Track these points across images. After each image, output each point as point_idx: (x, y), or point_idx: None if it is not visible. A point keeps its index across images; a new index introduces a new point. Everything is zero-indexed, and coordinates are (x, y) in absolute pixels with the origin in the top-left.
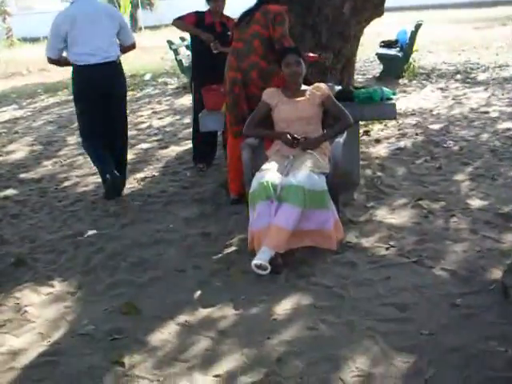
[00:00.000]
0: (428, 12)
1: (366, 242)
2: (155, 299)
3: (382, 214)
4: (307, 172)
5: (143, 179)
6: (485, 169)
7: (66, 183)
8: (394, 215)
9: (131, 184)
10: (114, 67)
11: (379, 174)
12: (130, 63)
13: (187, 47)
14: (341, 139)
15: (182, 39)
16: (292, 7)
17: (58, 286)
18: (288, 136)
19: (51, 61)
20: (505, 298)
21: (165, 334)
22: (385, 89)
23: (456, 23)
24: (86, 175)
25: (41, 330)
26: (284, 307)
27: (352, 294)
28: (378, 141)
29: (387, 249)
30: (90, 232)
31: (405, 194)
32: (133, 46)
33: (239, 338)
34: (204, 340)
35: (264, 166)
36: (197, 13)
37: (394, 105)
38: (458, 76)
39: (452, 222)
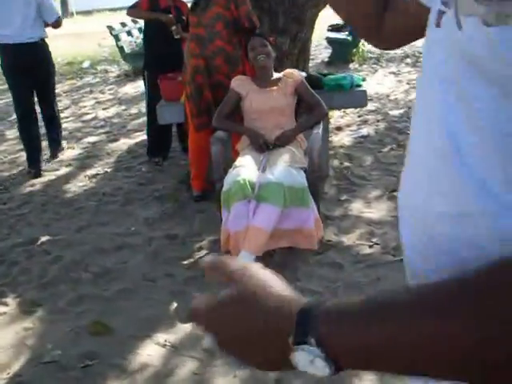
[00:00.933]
0: None
1: (347, 240)
2: (127, 315)
3: (358, 208)
4: (286, 167)
5: (94, 176)
6: None
7: (9, 183)
8: (371, 209)
9: (82, 182)
10: (35, 48)
11: (347, 164)
12: (65, 50)
13: (128, 33)
14: (319, 130)
15: (123, 24)
16: None
17: (12, 304)
18: (261, 141)
19: None
20: None
21: (144, 357)
22: (354, 75)
23: None
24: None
25: None
26: None
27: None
28: (339, 128)
29: (371, 246)
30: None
31: (377, 185)
32: (57, 23)
33: (228, 357)
34: (190, 362)
35: (237, 162)
36: None
37: (364, 92)
38: (408, 60)
39: None
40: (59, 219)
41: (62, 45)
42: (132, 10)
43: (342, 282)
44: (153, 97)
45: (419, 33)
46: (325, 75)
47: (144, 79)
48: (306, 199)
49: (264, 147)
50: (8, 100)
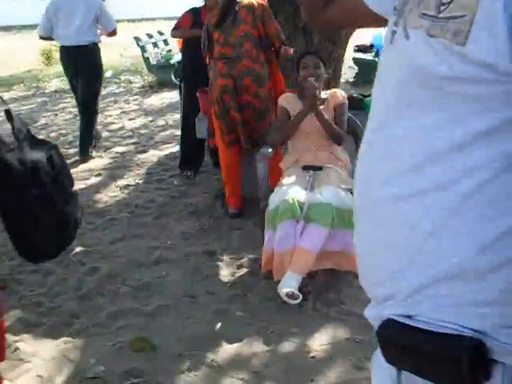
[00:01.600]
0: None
1: None
2: (169, 332)
3: None
4: (334, 188)
5: (126, 187)
6: None
7: None
8: None
9: (114, 192)
10: (85, 51)
11: None
12: None
13: (154, 44)
14: None
15: (149, 36)
16: (283, 7)
17: (50, 315)
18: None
19: (43, 38)
20: None
21: (191, 377)
22: None
23: None
24: None
25: (39, 371)
26: (320, 342)
27: None
28: None
29: None
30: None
31: None
32: (114, 32)
33: (277, 380)
34: (237, 383)
35: (284, 181)
36: (192, 10)
37: None
38: None
39: None
40: (92, 230)
41: None
42: (176, 32)
43: None
44: (189, 110)
45: (361, 21)
46: (366, 96)
47: (180, 91)
48: (351, 221)
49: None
50: (33, 106)
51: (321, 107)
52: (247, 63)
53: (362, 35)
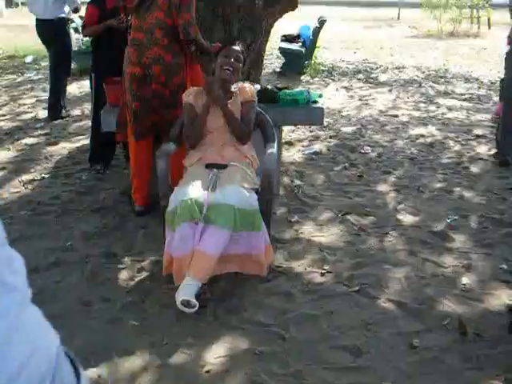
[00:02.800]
0: (319, 8)
1: (297, 266)
2: None
3: (309, 231)
4: (237, 188)
5: (30, 182)
6: (408, 179)
7: None
8: (323, 232)
9: (16, 188)
10: (51, 25)
11: (298, 182)
12: (7, 42)
13: (75, 30)
14: (274, 150)
15: (70, 21)
16: None
17: None
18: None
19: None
20: (464, 335)
21: None
22: (311, 91)
23: (347, 21)
24: None
25: None
26: (217, 353)
27: (294, 334)
28: (290, 143)
29: (322, 274)
30: None
31: (329, 206)
32: (76, 9)
33: None
34: None
35: (185, 180)
36: (93, 2)
37: (321, 109)
38: (360, 75)
39: (387, 242)
40: None
41: (3, 36)
42: (88, 30)
43: (292, 314)
44: (99, 101)
45: None
46: (280, 89)
47: (90, 82)
48: (257, 223)
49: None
50: None
51: (229, 101)
52: (157, 51)
53: (289, 26)
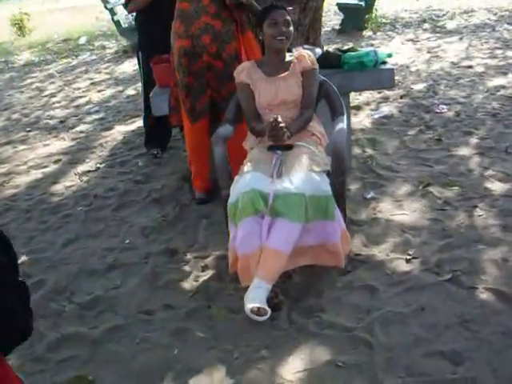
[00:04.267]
0: None
1: (378, 253)
2: (116, 364)
3: (388, 209)
4: (306, 172)
5: (86, 173)
6: (493, 139)
7: None
8: (403, 209)
9: (72, 181)
10: None
11: (370, 152)
12: (61, 26)
13: (124, 5)
14: (344, 124)
15: None
16: None
17: None
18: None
19: None
20: None
21: None
22: (378, 50)
23: None
24: (16, 172)
25: None
26: (294, 367)
27: (381, 339)
28: (358, 108)
29: (408, 261)
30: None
31: (408, 178)
32: None
33: None
34: None
35: (245, 167)
36: None
37: (391, 71)
38: (426, 25)
39: (477, 217)
40: (44, 230)
41: (57, 20)
42: (132, 5)
43: (377, 313)
44: (148, 81)
45: None
46: (344, 51)
47: (138, 61)
48: (330, 210)
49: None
50: (0, 83)
51: (285, 73)
52: (205, 19)
53: None
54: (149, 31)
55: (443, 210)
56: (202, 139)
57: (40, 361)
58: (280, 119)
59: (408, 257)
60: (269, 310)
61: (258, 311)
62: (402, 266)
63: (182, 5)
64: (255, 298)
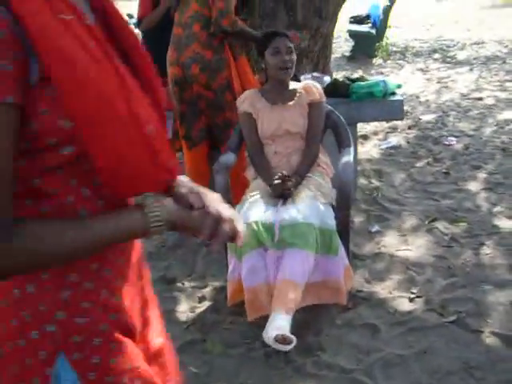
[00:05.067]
0: None
1: (381, 290)
2: None
3: (393, 244)
4: (313, 202)
5: None
6: (502, 174)
7: None
8: (408, 245)
9: None
10: None
11: (376, 183)
12: None
13: (135, 25)
14: (350, 157)
15: (130, 16)
16: None
17: None
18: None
19: None
20: None
21: None
22: (388, 81)
23: None
24: None
25: None
26: None
27: (381, 383)
28: (365, 137)
29: (411, 300)
30: None
31: (414, 212)
32: None
33: None
34: None
35: (248, 196)
36: None
37: (400, 102)
38: (436, 55)
39: (484, 255)
40: None
41: None
42: (143, 24)
43: (378, 354)
44: None
45: None
46: (353, 80)
47: None
48: (334, 245)
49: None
50: None
51: (290, 103)
52: (195, 48)
53: (357, 5)
54: (152, 52)
55: (449, 246)
56: (199, 166)
57: None
58: (286, 173)
59: (411, 295)
60: (294, 338)
61: (283, 339)
62: (404, 304)
63: (176, 30)
64: (279, 327)
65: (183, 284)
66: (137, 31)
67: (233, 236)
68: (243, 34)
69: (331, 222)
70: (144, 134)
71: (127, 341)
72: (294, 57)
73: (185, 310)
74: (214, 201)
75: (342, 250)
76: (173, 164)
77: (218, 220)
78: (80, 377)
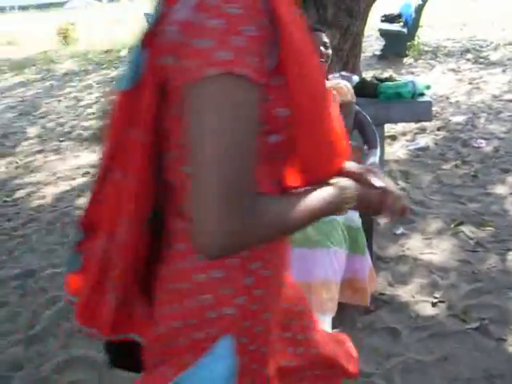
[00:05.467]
0: None
1: (403, 294)
2: None
3: (417, 247)
4: None
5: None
6: None
7: (19, 193)
8: (433, 248)
9: None
10: None
11: (403, 184)
12: (105, 37)
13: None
14: (376, 158)
15: (147, 15)
16: None
17: None
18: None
19: None
20: None
21: None
22: (417, 81)
23: None
24: (45, 182)
25: None
26: None
27: None
28: (393, 137)
29: (434, 305)
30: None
31: (440, 215)
32: None
33: None
34: None
35: None
36: None
37: (429, 103)
38: (469, 55)
39: (510, 261)
40: (65, 244)
41: (101, 31)
42: None
43: (398, 359)
44: None
45: None
46: (382, 80)
47: None
48: (361, 244)
49: None
50: (40, 90)
51: None
52: None
53: (389, 4)
54: None
55: (475, 251)
56: None
57: (46, 382)
58: None
59: (434, 300)
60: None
61: None
62: (427, 309)
63: None
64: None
65: None
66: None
67: (403, 211)
68: None
69: (357, 221)
70: (334, 122)
71: (274, 331)
72: (330, 52)
73: None
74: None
75: (366, 251)
76: (346, 147)
77: (398, 197)
78: (238, 360)
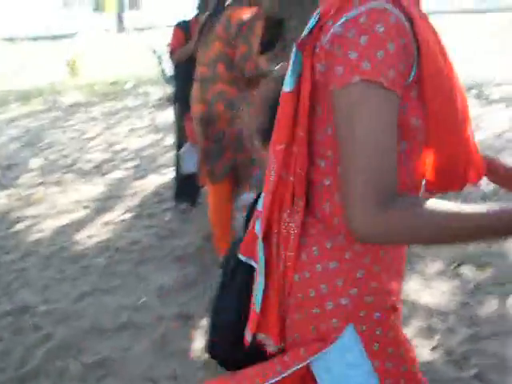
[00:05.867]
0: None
1: None
2: None
3: (416, 289)
4: None
5: (112, 223)
6: None
7: (19, 226)
8: (431, 290)
9: (96, 230)
10: None
11: None
12: (112, 68)
13: (159, 59)
14: None
15: (154, 51)
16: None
17: None
18: None
19: None
20: None
21: None
22: None
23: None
24: (44, 215)
25: None
26: None
27: None
28: None
29: (432, 349)
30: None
31: (439, 255)
32: None
33: None
34: None
35: None
36: (180, 25)
37: None
38: (472, 91)
39: (510, 306)
40: (61, 280)
41: (108, 62)
42: (176, 56)
43: None
44: (182, 136)
45: None
46: None
47: (174, 112)
48: None
49: None
50: (45, 122)
51: None
52: (220, 86)
53: None
54: (185, 85)
55: (473, 294)
56: (221, 202)
57: None
58: None
59: (432, 344)
60: None
61: None
62: (424, 354)
63: (200, 68)
64: None
65: (200, 321)
66: (167, 63)
67: None
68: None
69: None
70: (467, 135)
71: (396, 316)
72: None
73: (198, 348)
74: None
75: None
76: (481, 165)
77: None
78: (365, 346)
